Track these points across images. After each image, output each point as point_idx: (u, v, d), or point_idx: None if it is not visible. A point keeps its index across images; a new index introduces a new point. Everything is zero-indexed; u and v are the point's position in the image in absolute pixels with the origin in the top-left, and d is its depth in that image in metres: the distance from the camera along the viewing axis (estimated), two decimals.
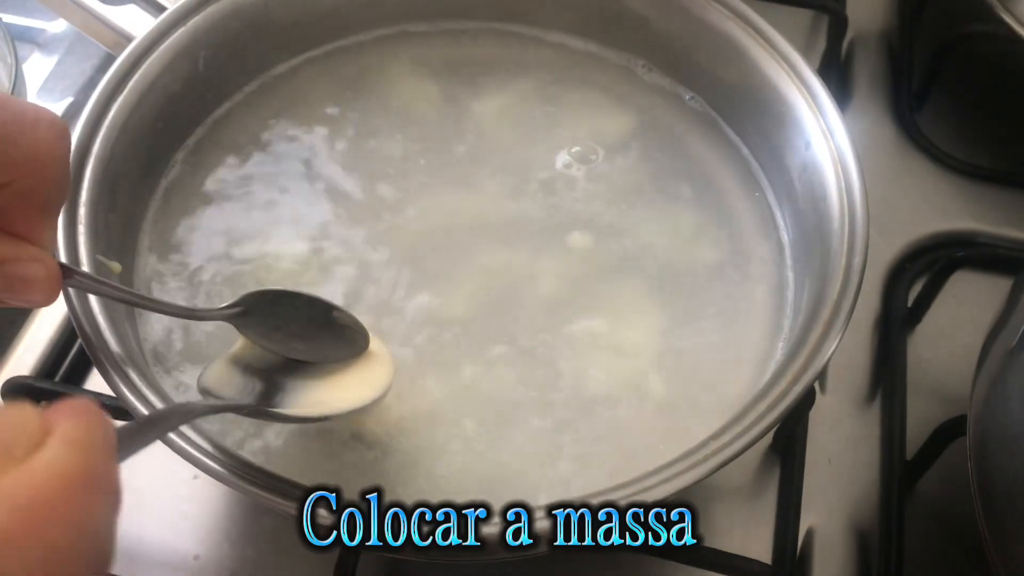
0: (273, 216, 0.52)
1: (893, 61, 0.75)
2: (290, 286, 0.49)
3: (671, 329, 0.50)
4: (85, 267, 0.44)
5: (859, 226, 0.45)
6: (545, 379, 0.47)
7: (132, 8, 0.54)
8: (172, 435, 0.39)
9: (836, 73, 0.74)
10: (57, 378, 0.56)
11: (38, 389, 0.52)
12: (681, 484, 0.38)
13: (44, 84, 0.72)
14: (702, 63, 0.56)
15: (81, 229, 0.44)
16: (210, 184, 0.53)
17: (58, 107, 0.70)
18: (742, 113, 0.55)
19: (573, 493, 0.39)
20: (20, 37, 0.72)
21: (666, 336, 0.49)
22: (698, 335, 0.49)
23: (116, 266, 0.46)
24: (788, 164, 0.51)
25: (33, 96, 0.69)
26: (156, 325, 0.48)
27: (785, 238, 0.52)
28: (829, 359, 0.42)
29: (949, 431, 0.53)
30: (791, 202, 0.51)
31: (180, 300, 0.49)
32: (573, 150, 0.56)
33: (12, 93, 0.60)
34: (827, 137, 0.48)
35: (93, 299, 0.42)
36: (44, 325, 0.57)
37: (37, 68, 0.72)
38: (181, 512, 0.53)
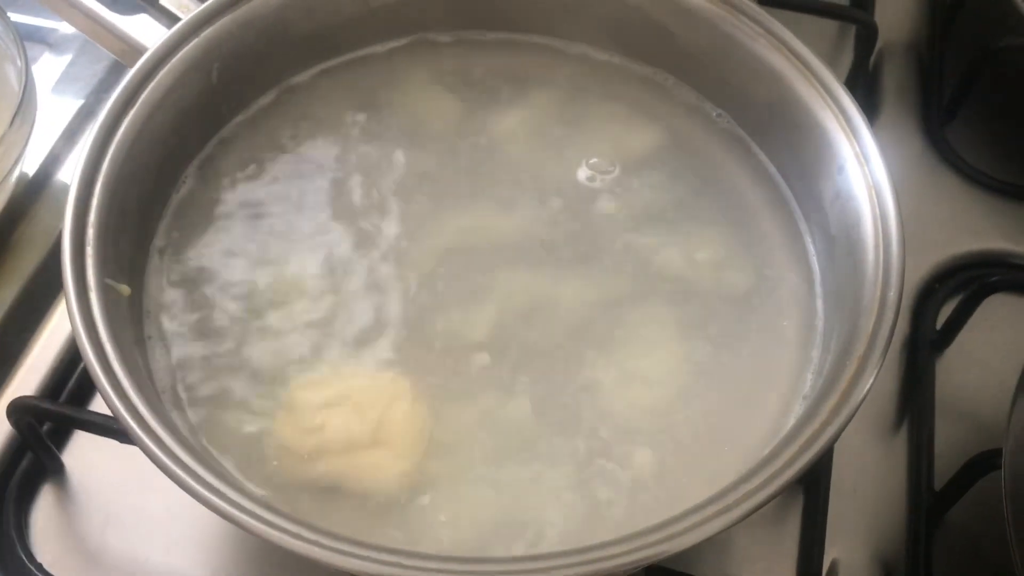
0: (287, 235, 0.50)
1: (923, 73, 0.73)
2: (307, 312, 0.48)
3: (696, 360, 0.48)
4: (93, 292, 0.42)
5: (895, 258, 0.43)
6: (566, 413, 0.46)
7: (143, 18, 0.52)
8: (179, 470, 0.37)
9: (864, 85, 0.72)
10: (62, 398, 0.54)
11: (42, 410, 0.51)
12: (709, 532, 0.37)
13: (55, 86, 0.70)
14: (730, 79, 0.54)
15: (89, 252, 0.43)
16: (222, 202, 0.51)
17: (69, 109, 0.68)
18: (772, 132, 0.53)
19: (595, 538, 0.37)
20: (30, 37, 0.69)
21: (691, 367, 0.48)
22: (725, 366, 0.48)
23: (125, 289, 0.45)
24: (820, 188, 0.49)
25: (44, 98, 0.68)
26: (163, 360, 0.47)
27: (815, 265, 0.50)
28: (863, 399, 0.40)
29: (983, 464, 0.51)
30: (822, 228, 0.49)
31: (190, 334, 0.47)
32: (596, 168, 0.54)
33: (22, 96, 0.58)
34: (861, 163, 0.46)
35: (99, 321, 0.41)
36: (49, 344, 0.56)
37: (48, 69, 0.71)
38: (191, 536, 0.52)
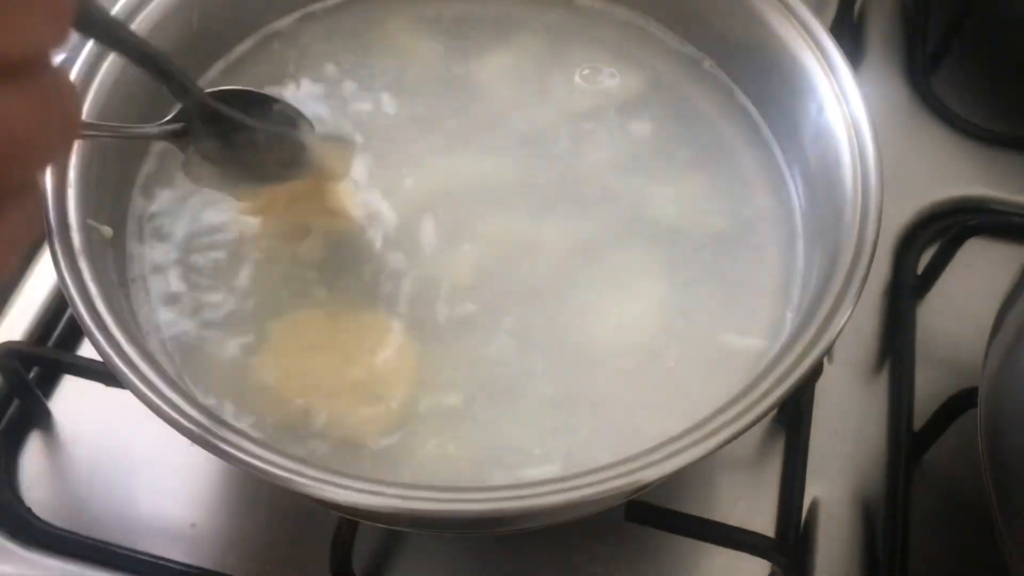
0: None
1: (908, 20, 0.73)
2: (288, 255, 0.48)
3: (678, 298, 0.48)
4: (75, 232, 0.42)
5: (872, 196, 0.43)
6: (550, 349, 0.46)
7: None
8: (167, 408, 0.38)
9: (849, 33, 0.72)
10: (50, 343, 0.55)
11: (31, 355, 0.51)
12: (685, 460, 0.37)
13: None
14: (714, 23, 0.54)
15: (71, 192, 0.43)
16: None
17: None
18: (754, 76, 0.53)
19: (576, 467, 0.38)
20: None
21: (673, 305, 0.48)
22: (706, 304, 0.48)
23: (107, 231, 0.45)
24: (800, 128, 0.49)
25: None
26: (148, 308, 0.47)
27: (797, 206, 0.50)
28: (839, 333, 0.40)
29: (959, 403, 0.52)
30: (803, 169, 0.50)
31: (174, 276, 0.47)
32: (578, 112, 0.54)
33: None
34: (841, 102, 0.46)
35: (83, 262, 0.41)
36: (36, 290, 0.56)
37: None
38: (178, 480, 0.52)
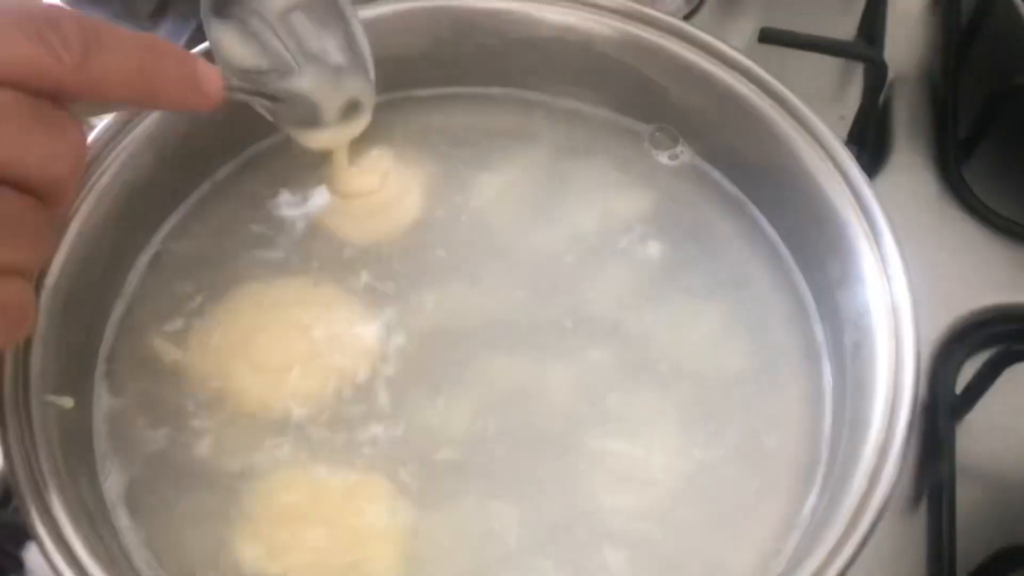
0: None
1: (937, 106, 0.69)
2: (271, 393, 0.45)
3: (693, 453, 0.44)
4: (34, 409, 0.39)
5: (907, 376, 0.39)
6: (557, 523, 0.42)
7: None
8: None
9: (873, 121, 0.67)
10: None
11: None
12: None
13: None
14: (732, 142, 0.50)
15: (33, 360, 0.39)
16: (176, 297, 0.48)
17: None
18: (777, 200, 0.49)
19: None
20: None
21: (686, 464, 0.44)
22: (725, 460, 0.44)
23: (68, 401, 0.41)
24: (828, 268, 0.45)
25: None
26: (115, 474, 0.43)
27: (824, 352, 0.46)
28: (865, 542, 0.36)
29: (1013, 558, 0.47)
30: (831, 309, 0.45)
31: (157, 437, 0.44)
32: (584, 236, 0.50)
33: None
34: (875, 250, 0.42)
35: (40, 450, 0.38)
36: None
37: None
38: None
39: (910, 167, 0.66)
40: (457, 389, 0.46)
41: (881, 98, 0.68)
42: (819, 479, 0.43)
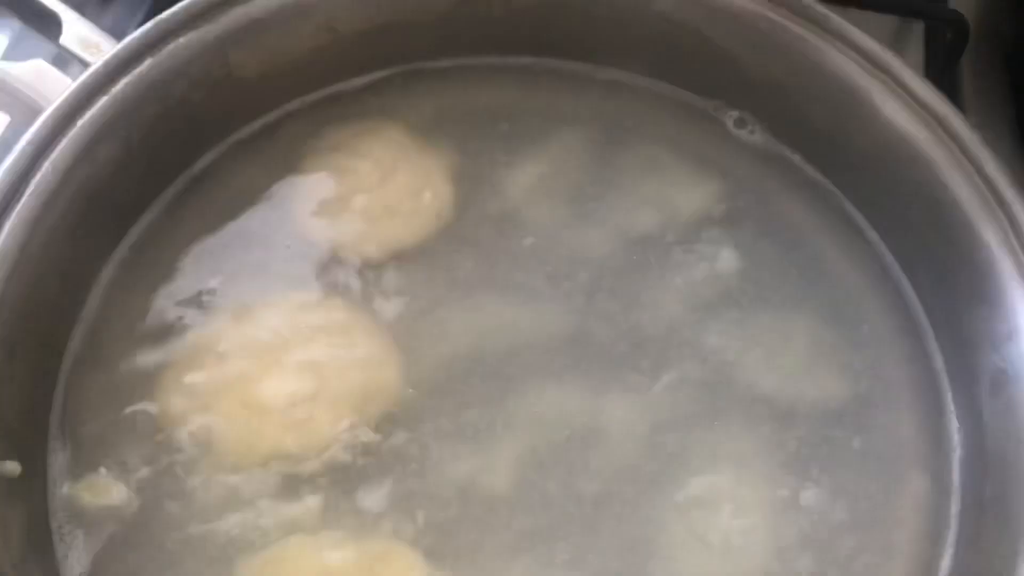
0: (247, 364, 0.38)
1: (1012, 74, 0.60)
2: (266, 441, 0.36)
3: (792, 510, 0.36)
4: None
5: None
6: None
7: (38, 64, 0.39)
8: None
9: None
10: None
11: None
12: None
13: None
14: (819, 122, 0.41)
15: None
16: (148, 321, 0.39)
17: None
18: (876, 191, 0.41)
19: None
20: None
21: (781, 521, 0.36)
22: (829, 519, 0.36)
23: (12, 467, 0.32)
24: (949, 278, 0.37)
25: None
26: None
27: (945, 383, 0.38)
28: None
29: None
30: (955, 330, 0.37)
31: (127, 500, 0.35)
32: (637, 237, 0.42)
33: None
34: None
35: None
36: None
37: None
38: None
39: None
40: (492, 432, 0.37)
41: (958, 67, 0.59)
42: (950, 543, 0.35)
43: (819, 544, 0.36)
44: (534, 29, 0.44)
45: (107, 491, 0.35)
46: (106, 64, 0.37)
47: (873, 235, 0.41)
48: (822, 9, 0.39)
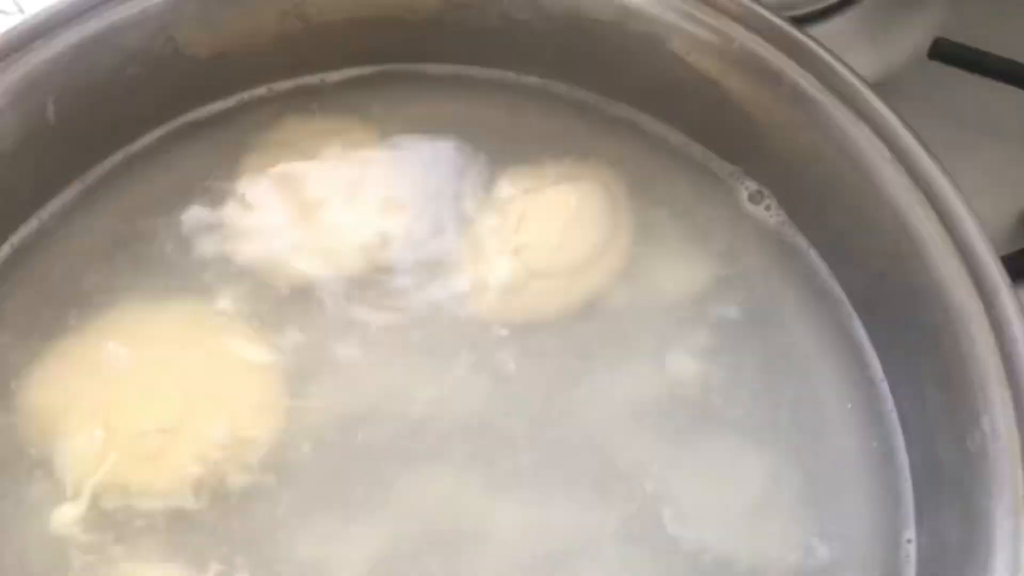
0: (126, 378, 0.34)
1: None
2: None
3: None
4: None
5: None
6: None
7: None
8: None
9: None
10: None
11: None
12: None
13: None
14: (837, 221, 0.33)
15: None
16: (42, 314, 0.35)
17: None
18: (894, 320, 0.32)
19: None
20: None
21: None
22: None
23: None
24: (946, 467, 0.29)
25: None
26: None
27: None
28: None
29: None
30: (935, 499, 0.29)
31: None
32: (599, 308, 0.35)
33: None
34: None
35: None
36: None
37: None
38: None
39: None
40: (359, 514, 0.32)
41: None
42: None
43: None
44: (532, 47, 0.38)
45: None
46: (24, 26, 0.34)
47: (879, 372, 0.33)
48: (853, 80, 0.31)
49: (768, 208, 0.36)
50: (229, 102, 0.39)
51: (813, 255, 0.35)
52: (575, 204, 0.36)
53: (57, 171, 0.37)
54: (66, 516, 0.32)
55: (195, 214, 0.37)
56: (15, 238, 0.36)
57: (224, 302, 0.35)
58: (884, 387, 0.33)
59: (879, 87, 0.31)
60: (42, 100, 0.34)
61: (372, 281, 0.36)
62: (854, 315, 0.34)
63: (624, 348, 0.35)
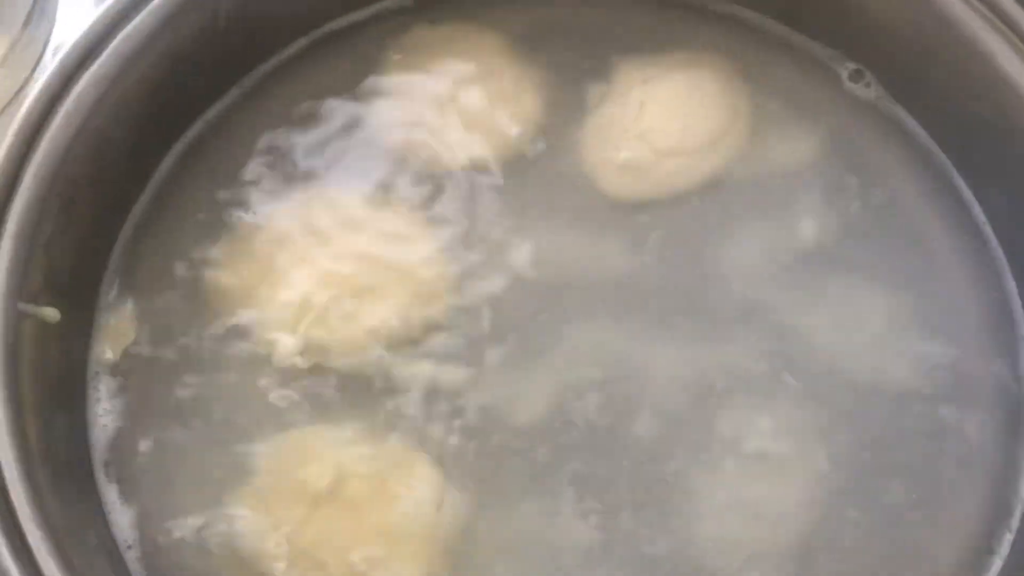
0: (303, 251, 0.37)
1: None
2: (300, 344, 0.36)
3: (841, 488, 0.33)
4: None
5: None
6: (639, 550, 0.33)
7: None
8: None
9: None
10: None
11: None
12: None
13: None
14: (942, 89, 0.37)
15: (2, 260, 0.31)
16: (218, 198, 0.38)
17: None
18: (990, 168, 0.37)
19: None
20: None
21: (831, 497, 0.33)
22: (882, 501, 0.33)
23: (51, 313, 0.33)
24: None
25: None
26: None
27: None
28: None
29: None
30: None
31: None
32: (720, 181, 0.39)
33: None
34: None
35: None
36: None
37: None
38: None
39: None
40: (534, 361, 0.36)
41: None
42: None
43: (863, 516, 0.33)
44: None
45: (146, 350, 0.35)
46: None
47: (980, 215, 0.37)
48: None
49: (868, 85, 0.40)
50: (360, 15, 0.42)
51: (911, 122, 0.40)
52: (691, 90, 0.40)
53: (223, 74, 0.40)
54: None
55: (344, 109, 0.40)
56: (190, 132, 0.39)
57: (383, 185, 0.39)
58: (987, 229, 0.37)
59: None
60: (215, 6, 0.38)
61: (516, 164, 0.39)
62: (953, 170, 0.38)
63: (752, 212, 0.38)
